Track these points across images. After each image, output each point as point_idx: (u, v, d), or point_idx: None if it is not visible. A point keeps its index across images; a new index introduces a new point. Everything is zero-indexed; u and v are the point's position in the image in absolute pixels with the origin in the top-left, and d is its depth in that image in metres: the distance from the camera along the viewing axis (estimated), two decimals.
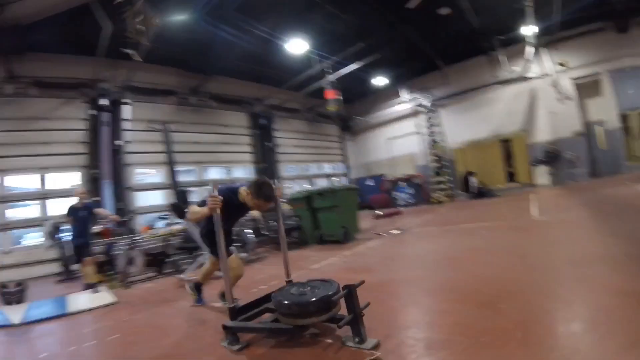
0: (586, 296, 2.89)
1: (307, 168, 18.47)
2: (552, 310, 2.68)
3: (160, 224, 9.51)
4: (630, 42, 13.45)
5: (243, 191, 3.39)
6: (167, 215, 9.45)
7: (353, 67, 13.79)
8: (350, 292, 2.39)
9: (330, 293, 2.40)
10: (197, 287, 4.26)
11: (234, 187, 3.48)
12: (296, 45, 11.55)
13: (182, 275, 5.96)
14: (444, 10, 11.53)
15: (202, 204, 3.28)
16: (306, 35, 11.34)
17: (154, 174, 12.02)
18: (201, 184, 12.83)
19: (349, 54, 13.08)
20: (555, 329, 2.40)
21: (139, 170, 11.45)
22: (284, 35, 11.19)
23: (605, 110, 14.15)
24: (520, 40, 13.48)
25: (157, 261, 6.98)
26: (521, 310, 2.71)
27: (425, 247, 6.40)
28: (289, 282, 3.28)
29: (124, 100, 10.74)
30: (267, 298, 3.06)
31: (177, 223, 7.73)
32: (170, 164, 10.06)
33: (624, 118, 13.81)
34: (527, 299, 2.95)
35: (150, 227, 9.32)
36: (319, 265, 5.44)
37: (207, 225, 3.57)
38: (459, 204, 13.67)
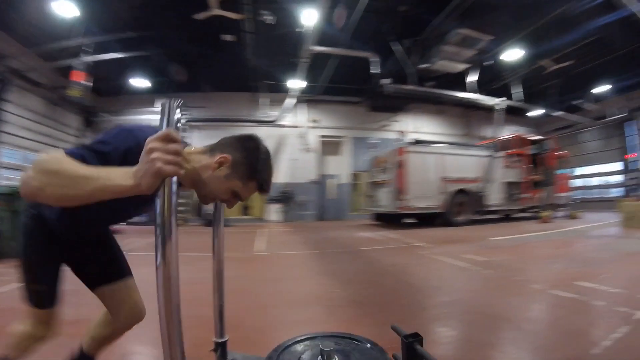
0: None
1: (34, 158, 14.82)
2: None
3: None
4: (373, 120, 17.85)
5: (201, 154, 1.38)
6: None
7: (117, 55, 12.47)
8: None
9: None
10: None
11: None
12: (64, 7, 9.83)
13: None
14: (228, 37, 11.84)
15: (100, 157, 1.12)
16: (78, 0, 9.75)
17: None
18: None
19: (117, 40, 11.82)
20: None
21: None
22: None
23: (341, 166, 17.66)
24: (285, 91, 15.14)
25: None
26: None
27: (142, 275, 5.59)
28: (222, 345, 1.72)
29: None
30: None
31: None
32: None
33: (355, 176, 17.50)
34: (253, 346, 2.56)
35: None
36: (7, 288, 4.20)
37: (63, 220, 1.37)
38: (191, 229, 13.49)
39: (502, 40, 12.19)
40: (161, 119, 0.90)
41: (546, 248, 6.95)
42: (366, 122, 17.97)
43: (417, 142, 12.46)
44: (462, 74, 12.82)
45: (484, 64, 12.74)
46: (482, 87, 13.72)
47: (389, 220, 12.59)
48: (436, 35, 11.10)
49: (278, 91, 15.77)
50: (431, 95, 13.33)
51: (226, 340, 1.74)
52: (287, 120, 16.71)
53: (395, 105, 17.45)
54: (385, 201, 11.70)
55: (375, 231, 10.87)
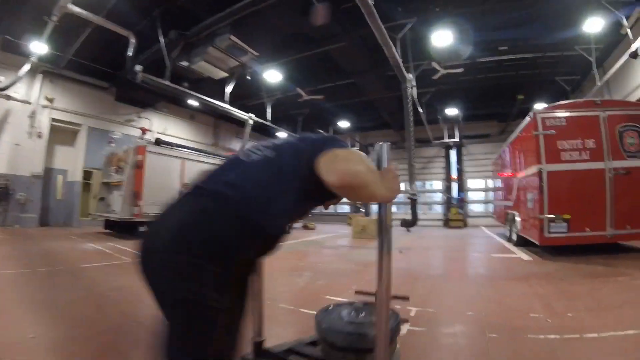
0: None
1: None
2: None
3: None
4: (119, 111, 15.72)
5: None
6: None
7: None
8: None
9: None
10: None
11: None
12: None
13: None
14: None
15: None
16: None
17: None
18: None
19: None
20: None
21: None
22: None
23: (72, 161, 14.71)
24: (24, 53, 11.83)
25: None
26: None
27: None
28: (260, 344, 2.05)
29: None
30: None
31: None
32: None
33: (87, 174, 14.78)
34: None
35: None
36: None
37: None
38: None
39: (266, 60, 12.53)
40: (379, 158, 1.47)
41: (289, 260, 6.96)
42: (110, 113, 15.69)
43: (159, 143, 11.47)
44: (221, 83, 12.47)
45: (246, 77, 12.71)
46: (237, 100, 13.75)
47: (123, 229, 10.89)
48: (206, 35, 10.38)
49: (14, 52, 12.20)
50: (185, 96, 12.39)
51: (264, 340, 2.11)
52: (17, 92, 12.82)
53: (145, 99, 16.00)
54: (118, 206, 10.21)
55: (105, 242, 9.27)
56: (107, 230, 11.55)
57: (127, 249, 8.03)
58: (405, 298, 2.01)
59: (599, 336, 2.78)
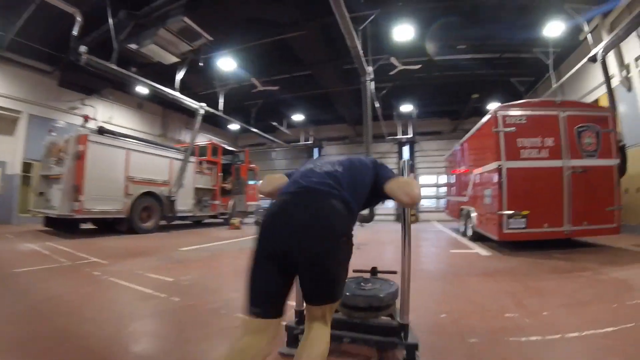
0: None
1: None
2: None
3: None
4: (62, 98, 14.31)
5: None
6: None
7: None
8: None
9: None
10: None
11: None
12: None
13: None
14: None
15: None
16: None
17: None
18: None
19: None
20: None
21: None
22: None
23: (11, 152, 13.25)
24: None
25: None
26: None
27: None
28: (301, 313, 2.42)
29: None
30: None
31: None
32: None
33: (27, 166, 13.49)
34: None
35: None
36: None
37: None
38: None
39: (221, 46, 11.95)
40: (403, 171, 2.17)
41: (241, 259, 6.31)
42: (53, 99, 14.36)
43: (102, 132, 10.58)
44: (172, 70, 11.69)
45: (199, 64, 12.05)
46: (188, 88, 13.11)
47: (63, 226, 10.01)
48: (157, 16, 9.60)
49: None
50: (132, 81, 11.34)
51: (304, 309, 2.27)
52: None
53: (90, 85, 14.88)
54: (58, 201, 9.31)
55: (44, 241, 8.40)
56: (47, 228, 10.50)
57: (65, 249, 7.28)
58: (393, 272, 2.48)
59: (580, 335, 2.69)
